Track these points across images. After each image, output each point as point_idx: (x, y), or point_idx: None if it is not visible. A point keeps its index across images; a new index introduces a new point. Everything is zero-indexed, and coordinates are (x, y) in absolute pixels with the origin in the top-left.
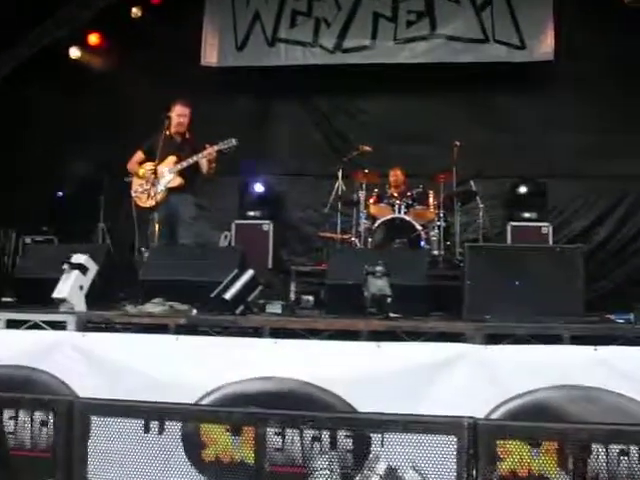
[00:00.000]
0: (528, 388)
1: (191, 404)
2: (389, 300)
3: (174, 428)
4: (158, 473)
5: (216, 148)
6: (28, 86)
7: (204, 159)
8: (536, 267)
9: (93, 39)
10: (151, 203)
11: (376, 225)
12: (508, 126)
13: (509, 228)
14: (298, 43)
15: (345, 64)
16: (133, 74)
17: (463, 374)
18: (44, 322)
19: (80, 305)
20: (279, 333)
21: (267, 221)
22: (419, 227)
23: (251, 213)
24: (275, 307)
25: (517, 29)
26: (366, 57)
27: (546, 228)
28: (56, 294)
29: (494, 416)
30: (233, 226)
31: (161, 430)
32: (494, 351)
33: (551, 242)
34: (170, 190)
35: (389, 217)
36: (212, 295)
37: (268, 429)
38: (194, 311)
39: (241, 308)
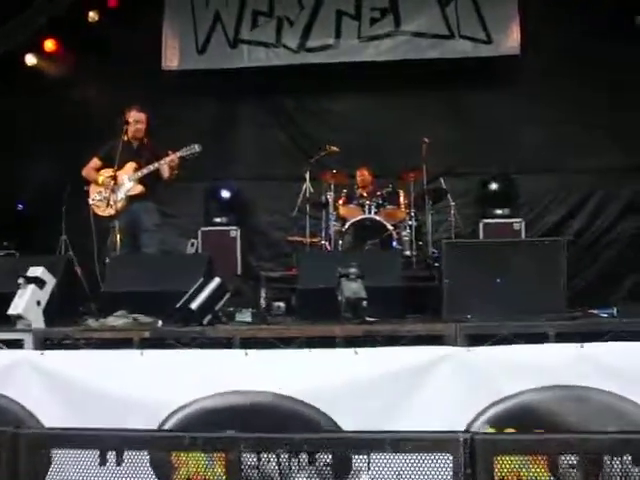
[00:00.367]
0: (514, 390)
1: (152, 430)
2: (364, 303)
3: (139, 455)
4: None
5: (178, 154)
6: None
7: (165, 165)
8: (516, 262)
9: (49, 45)
10: (110, 212)
11: (346, 227)
12: (475, 122)
13: (481, 225)
14: (261, 44)
15: (309, 64)
16: (91, 79)
17: (446, 378)
18: None
19: (38, 321)
20: (250, 343)
21: (234, 227)
22: (390, 227)
23: (217, 219)
24: (245, 315)
25: (482, 24)
26: (330, 56)
27: (518, 224)
28: (11, 310)
29: (480, 421)
30: (200, 233)
31: (119, 461)
32: (477, 353)
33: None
34: (131, 198)
35: (359, 218)
36: (177, 305)
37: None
38: (159, 323)
39: (209, 318)
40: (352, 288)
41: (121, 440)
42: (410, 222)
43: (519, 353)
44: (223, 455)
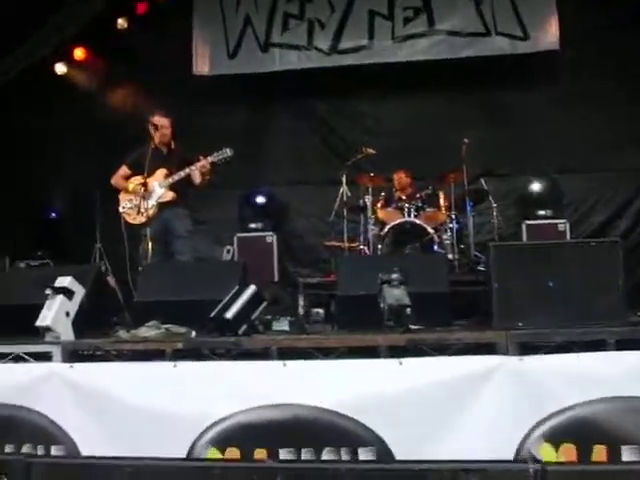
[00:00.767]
0: (571, 402)
1: (180, 459)
2: (408, 311)
3: None
4: None
5: (210, 160)
6: (13, 106)
7: (197, 171)
8: (568, 265)
9: (79, 53)
10: (141, 219)
11: (385, 230)
12: (515, 121)
13: (524, 227)
14: (292, 47)
15: (342, 66)
16: (120, 87)
17: (497, 390)
18: (27, 354)
19: (67, 333)
20: (288, 353)
21: (270, 233)
22: (431, 230)
23: (252, 225)
24: (282, 324)
25: (519, 20)
26: (364, 57)
27: (563, 225)
28: (39, 322)
29: (534, 435)
30: (235, 239)
31: None
32: (531, 362)
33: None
34: (162, 205)
35: (399, 221)
36: (212, 315)
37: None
38: (193, 333)
39: (244, 327)
40: (395, 295)
41: (143, 471)
42: (451, 225)
43: (576, 362)
44: None
